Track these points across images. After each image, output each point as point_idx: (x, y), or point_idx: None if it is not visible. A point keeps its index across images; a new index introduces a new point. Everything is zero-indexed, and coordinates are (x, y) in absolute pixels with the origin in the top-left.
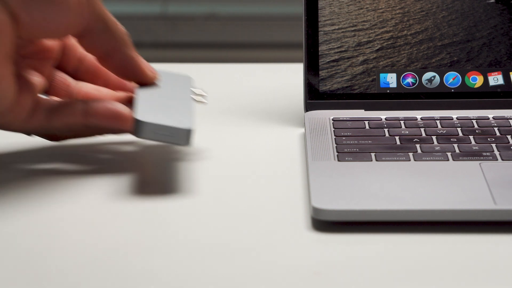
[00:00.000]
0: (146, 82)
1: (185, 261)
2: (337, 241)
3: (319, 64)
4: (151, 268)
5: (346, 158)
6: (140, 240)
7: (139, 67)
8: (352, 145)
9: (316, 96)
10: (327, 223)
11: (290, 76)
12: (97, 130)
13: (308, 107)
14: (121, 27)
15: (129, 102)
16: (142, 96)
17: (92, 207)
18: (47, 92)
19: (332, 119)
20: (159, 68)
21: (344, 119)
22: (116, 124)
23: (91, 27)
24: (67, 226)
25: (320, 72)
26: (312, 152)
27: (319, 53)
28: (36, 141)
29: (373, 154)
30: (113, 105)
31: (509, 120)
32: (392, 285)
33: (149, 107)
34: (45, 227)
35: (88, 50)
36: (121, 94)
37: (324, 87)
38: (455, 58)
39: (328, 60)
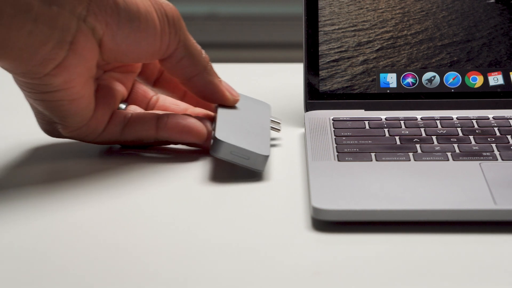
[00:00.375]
0: (226, 105)
1: (185, 260)
2: (337, 241)
3: (319, 64)
4: (151, 266)
5: (346, 158)
6: (139, 240)
7: (220, 92)
8: (352, 145)
9: (316, 96)
10: (327, 223)
11: (290, 76)
12: (169, 142)
13: (308, 107)
14: (203, 54)
15: (206, 118)
16: (223, 116)
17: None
18: (125, 100)
19: (332, 119)
20: (241, 92)
21: (344, 119)
22: (187, 138)
23: (174, 54)
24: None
25: (320, 72)
26: (312, 152)
27: (319, 53)
28: None
29: (373, 154)
30: (185, 120)
31: (509, 120)
32: (392, 285)
33: (228, 128)
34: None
35: (169, 73)
36: (199, 110)
37: (324, 87)
38: (455, 58)
39: (328, 60)
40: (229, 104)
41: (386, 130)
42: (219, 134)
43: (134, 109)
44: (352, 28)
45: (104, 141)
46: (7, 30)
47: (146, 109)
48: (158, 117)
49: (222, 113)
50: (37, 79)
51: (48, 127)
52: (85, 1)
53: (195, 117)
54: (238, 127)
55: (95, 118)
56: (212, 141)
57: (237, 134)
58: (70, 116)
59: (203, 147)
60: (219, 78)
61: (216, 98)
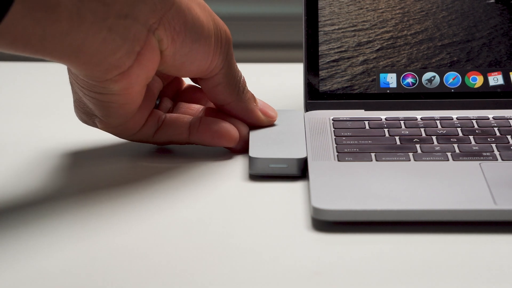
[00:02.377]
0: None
1: (185, 260)
2: (337, 241)
3: (319, 64)
4: (149, 267)
5: (346, 158)
6: (140, 239)
7: (254, 118)
8: (352, 145)
9: (316, 96)
10: (327, 223)
11: (290, 76)
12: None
13: (308, 107)
14: (241, 83)
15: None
16: (255, 134)
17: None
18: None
19: (332, 119)
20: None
21: (344, 119)
22: (218, 143)
23: (212, 78)
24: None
25: (320, 72)
26: (312, 152)
27: (319, 53)
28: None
29: (373, 154)
30: (217, 125)
31: (509, 120)
32: (392, 285)
33: (261, 143)
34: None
35: (206, 94)
36: None
37: (324, 87)
38: (455, 58)
39: (328, 60)
40: (265, 125)
41: (386, 130)
42: (253, 152)
43: (166, 104)
44: (352, 28)
45: (136, 140)
46: (85, 35)
47: (176, 95)
48: (191, 121)
49: (254, 131)
50: (97, 82)
51: (85, 117)
52: (159, 14)
53: (228, 121)
54: (271, 140)
55: (133, 120)
56: (249, 161)
57: (270, 146)
58: (113, 116)
59: (235, 150)
60: (255, 102)
61: (251, 123)
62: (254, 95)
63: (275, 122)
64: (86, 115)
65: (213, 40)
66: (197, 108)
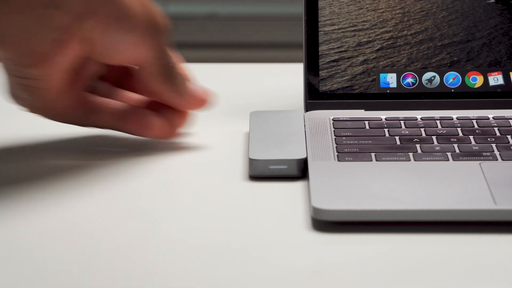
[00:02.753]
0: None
1: (185, 261)
2: (337, 241)
3: (319, 64)
4: (149, 267)
5: (346, 158)
6: (138, 239)
7: (188, 105)
8: (352, 145)
9: (316, 96)
10: (327, 223)
11: (290, 76)
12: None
13: (308, 107)
14: (173, 72)
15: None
16: (254, 135)
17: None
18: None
19: (332, 119)
20: (272, 109)
21: (344, 119)
22: (144, 134)
23: (144, 67)
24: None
25: (320, 72)
26: (312, 152)
27: (319, 53)
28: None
29: (373, 154)
30: (144, 116)
31: (509, 120)
32: (392, 285)
33: (261, 145)
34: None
35: (141, 83)
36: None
37: (324, 87)
38: (455, 58)
39: (328, 60)
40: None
41: (386, 130)
42: (252, 154)
43: (103, 89)
44: (352, 28)
45: (67, 122)
46: (8, 23)
47: (120, 82)
48: (120, 108)
49: (254, 133)
50: (15, 66)
51: (15, 99)
52: (86, 3)
53: (163, 111)
54: (270, 141)
55: (59, 103)
56: (249, 163)
57: (270, 148)
58: (36, 100)
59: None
60: (187, 89)
61: (188, 109)
62: (253, 95)
63: (275, 122)
64: (15, 98)
65: (141, 30)
66: (136, 98)
